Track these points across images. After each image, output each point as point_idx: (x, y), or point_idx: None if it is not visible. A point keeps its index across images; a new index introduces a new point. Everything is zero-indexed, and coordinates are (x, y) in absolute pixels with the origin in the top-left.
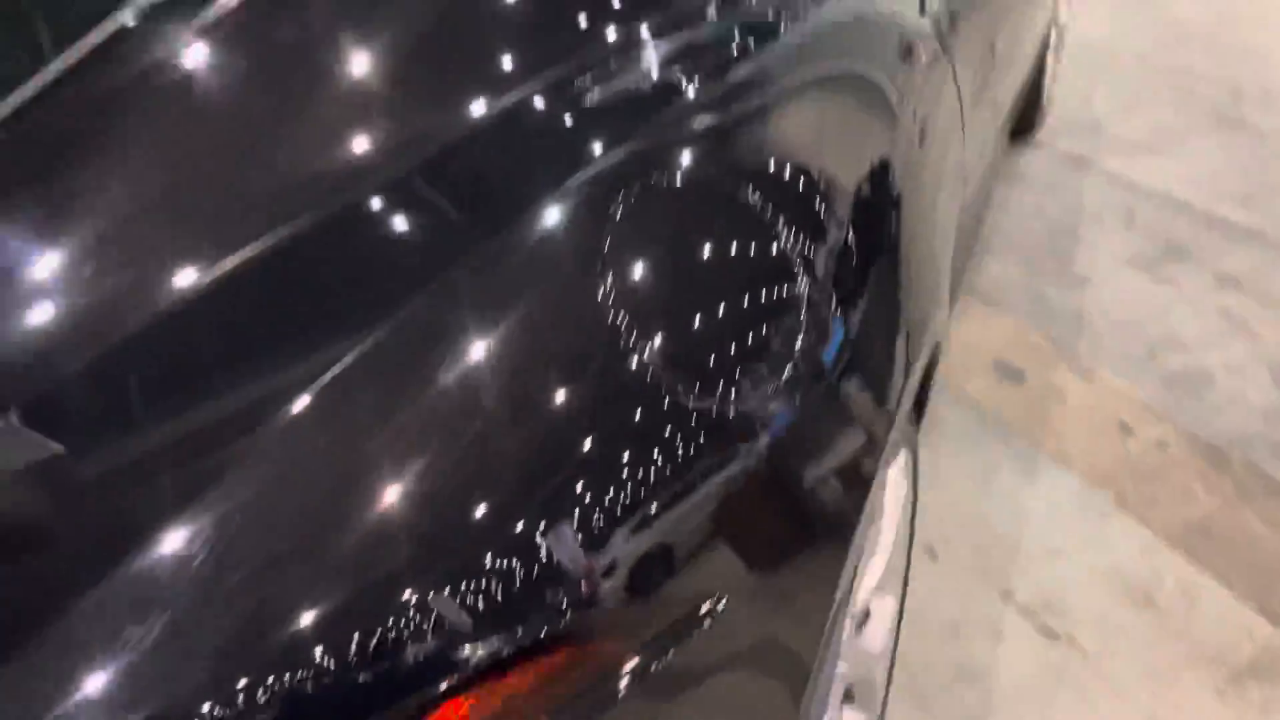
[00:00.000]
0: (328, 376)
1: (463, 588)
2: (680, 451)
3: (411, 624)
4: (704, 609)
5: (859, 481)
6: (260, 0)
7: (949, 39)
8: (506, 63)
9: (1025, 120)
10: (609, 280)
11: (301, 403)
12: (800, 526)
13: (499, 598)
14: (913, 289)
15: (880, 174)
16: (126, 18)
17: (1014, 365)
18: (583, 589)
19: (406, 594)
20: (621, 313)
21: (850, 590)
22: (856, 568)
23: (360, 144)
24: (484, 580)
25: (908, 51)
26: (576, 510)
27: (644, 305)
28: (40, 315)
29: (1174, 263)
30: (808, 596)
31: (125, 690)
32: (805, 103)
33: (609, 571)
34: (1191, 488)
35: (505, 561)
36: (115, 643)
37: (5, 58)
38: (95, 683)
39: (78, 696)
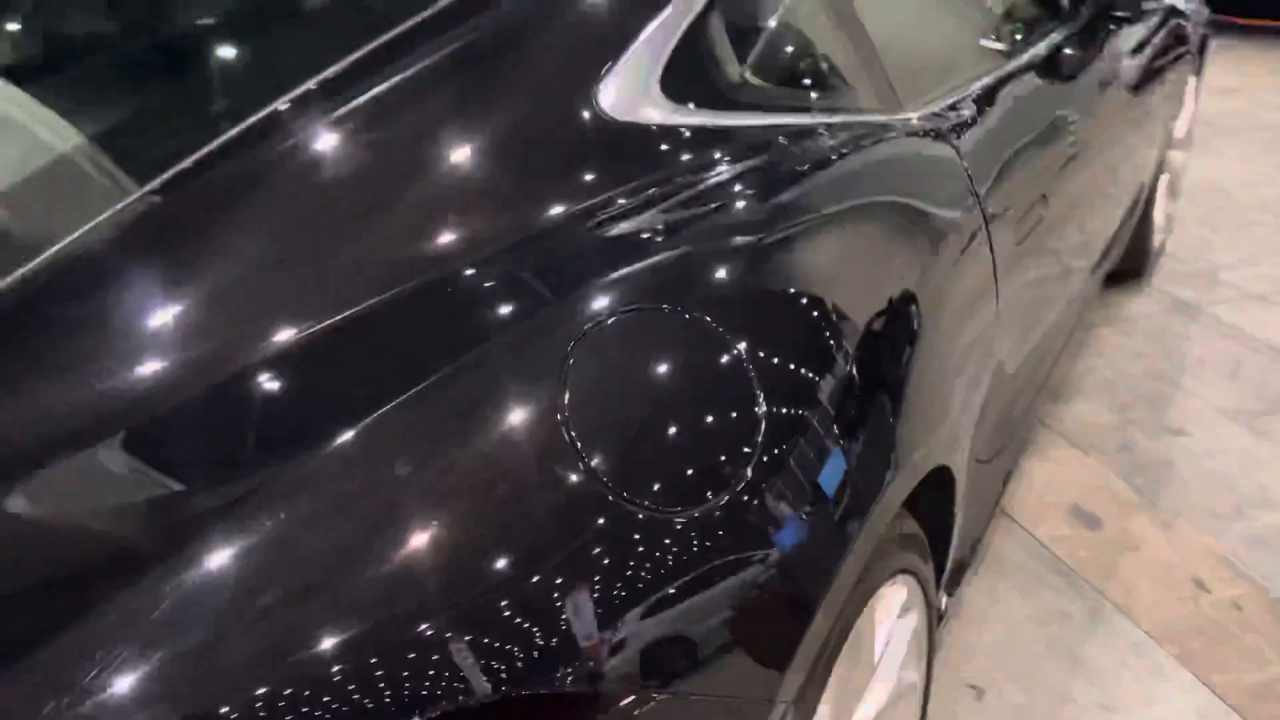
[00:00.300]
0: (372, 418)
1: (471, 637)
2: (675, 553)
3: (417, 663)
4: (653, 699)
5: (804, 600)
6: (387, 99)
7: (982, 185)
8: (580, 174)
9: (1132, 263)
10: (607, 392)
11: (348, 441)
12: (742, 634)
13: (503, 651)
14: (907, 421)
15: (893, 307)
16: (282, 103)
17: (1091, 511)
18: (588, 662)
19: (420, 633)
20: (615, 428)
21: (794, 708)
22: (817, 688)
23: (444, 234)
24: (493, 632)
25: (934, 198)
26: (587, 586)
27: (637, 421)
28: (156, 357)
29: (1276, 417)
30: (743, 701)
31: (148, 696)
32: (837, 235)
33: (615, 649)
34: (1262, 651)
35: (520, 620)
36: (149, 649)
37: (183, 134)
38: (124, 683)
39: (102, 695)
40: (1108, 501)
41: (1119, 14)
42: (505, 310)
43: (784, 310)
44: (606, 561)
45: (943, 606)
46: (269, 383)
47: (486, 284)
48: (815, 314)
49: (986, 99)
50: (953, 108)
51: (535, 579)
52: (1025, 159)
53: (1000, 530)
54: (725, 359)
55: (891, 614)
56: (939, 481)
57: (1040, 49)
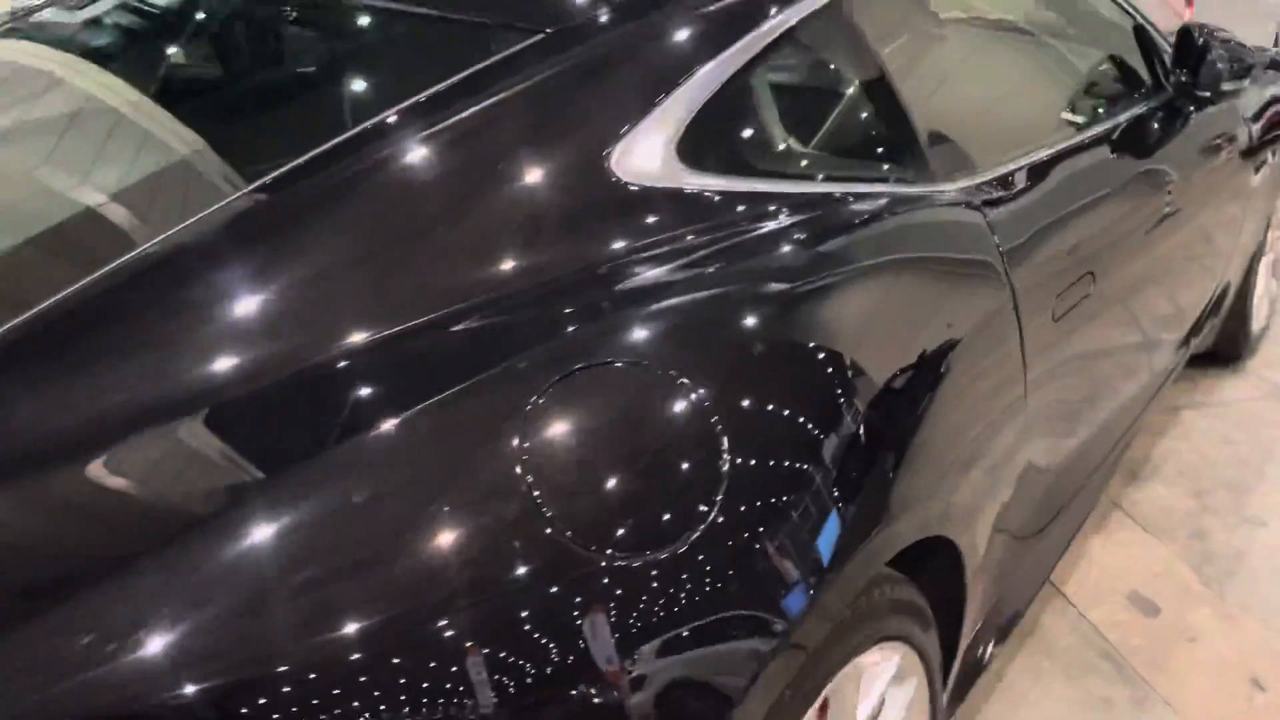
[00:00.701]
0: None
1: (495, 644)
2: (620, 600)
3: (436, 660)
4: None
5: (750, 653)
6: (472, 121)
7: (1012, 258)
8: (574, 233)
9: (1228, 345)
10: (566, 437)
11: (397, 429)
12: (687, 682)
13: (525, 663)
14: (887, 487)
15: (886, 372)
16: (390, 116)
17: (1151, 598)
18: (612, 692)
19: (441, 630)
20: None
21: None
22: None
23: (508, 259)
24: (517, 644)
25: (949, 268)
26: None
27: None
28: (238, 345)
29: None
30: None
31: (174, 655)
32: (835, 298)
33: (554, 690)
34: None
35: (542, 636)
36: (180, 611)
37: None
38: (155, 642)
39: (137, 653)
40: (1170, 589)
41: (1201, 94)
42: (482, 355)
43: (764, 366)
44: (548, 603)
45: (987, 658)
46: (319, 383)
47: (464, 331)
48: (795, 372)
49: (1039, 174)
50: (1000, 181)
51: (467, 615)
52: (1070, 235)
53: (1053, 610)
54: (688, 411)
55: (881, 679)
56: (945, 554)
57: (1106, 127)
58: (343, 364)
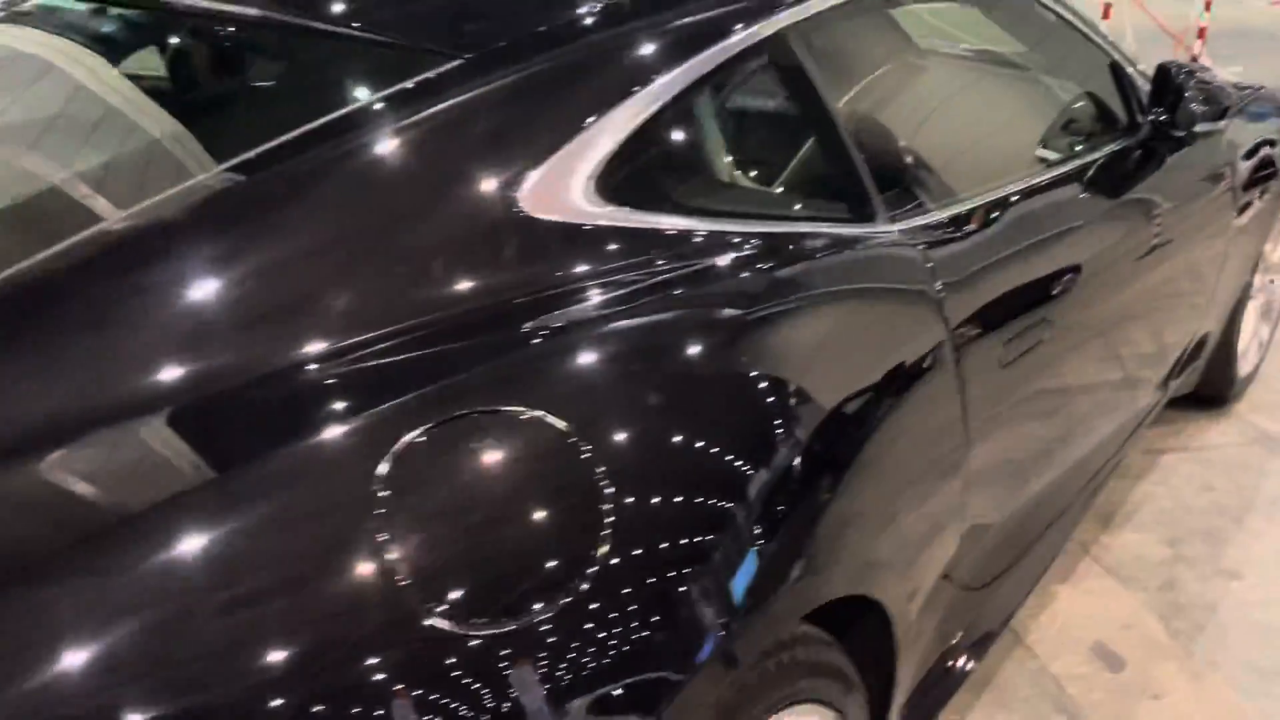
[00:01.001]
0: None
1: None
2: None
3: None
4: None
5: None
6: (447, 114)
7: (952, 303)
8: (549, 256)
9: (1213, 388)
10: (429, 496)
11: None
12: None
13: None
14: (795, 543)
15: (826, 416)
16: (377, 102)
17: (1116, 650)
18: None
19: (368, 664)
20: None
21: None
22: None
23: (402, 294)
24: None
25: (875, 312)
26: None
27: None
28: (200, 344)
29: None
30: None
31: (95, 677)
32: (745, 341)
33: None
34: None
35: (470, 680)
36: (104, 628)
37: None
38: (73, 659)
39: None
40: (1137, 642)
41: (1177, 134)
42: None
43: (664, 414)
44: (384, 678)
45: (933, 714)
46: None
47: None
48: (697, 419)
49: (992, 215)
50: (949, 222)
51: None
52: (1022, 277)
53: (1013, 660)
54: (575, 461)
55: None
56: (876, 611)
57: (1071, 167)
58: (213, 401)
